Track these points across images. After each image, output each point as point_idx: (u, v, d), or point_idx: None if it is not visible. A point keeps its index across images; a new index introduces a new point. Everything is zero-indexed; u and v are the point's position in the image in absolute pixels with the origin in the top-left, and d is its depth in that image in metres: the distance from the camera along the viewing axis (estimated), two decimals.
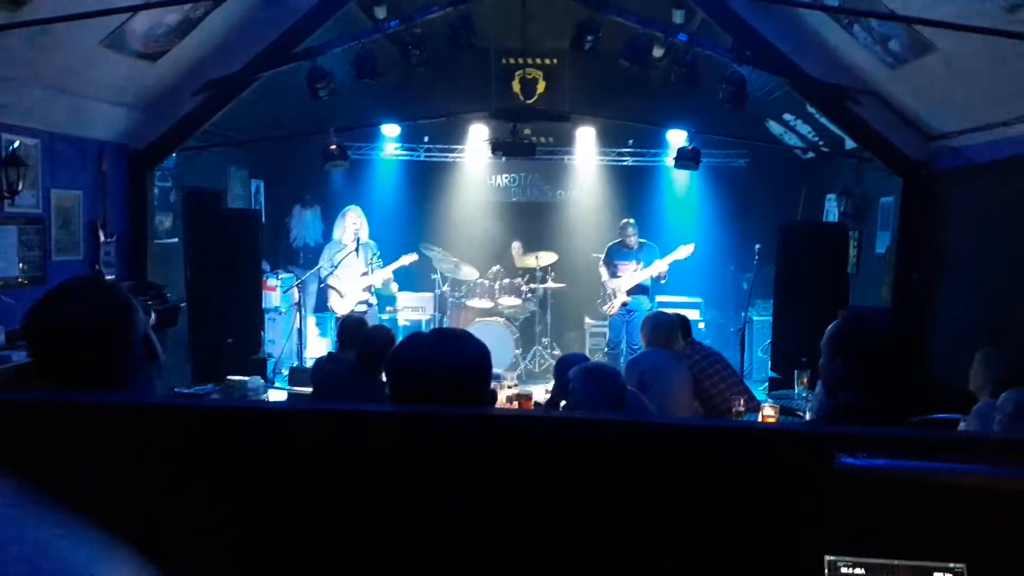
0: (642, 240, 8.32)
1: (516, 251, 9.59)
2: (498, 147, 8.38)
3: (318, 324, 9.22)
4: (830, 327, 2.08)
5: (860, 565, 1.13)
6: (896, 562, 1.13)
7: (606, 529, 1.17)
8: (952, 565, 1.12)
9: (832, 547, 1.14)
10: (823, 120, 7.34)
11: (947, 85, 5.50)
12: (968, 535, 1.13)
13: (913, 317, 6.37)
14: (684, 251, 8.04)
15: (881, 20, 5.19)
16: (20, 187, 5.18)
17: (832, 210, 8.57)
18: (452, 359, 1.70)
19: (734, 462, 1.17)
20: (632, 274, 8.17)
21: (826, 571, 1.13)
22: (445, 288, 9.22)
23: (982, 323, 5.55)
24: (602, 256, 8.45)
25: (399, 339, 5.03)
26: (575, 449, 1.19)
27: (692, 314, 7.85)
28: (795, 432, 1.40)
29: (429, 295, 9.32)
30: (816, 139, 8.39)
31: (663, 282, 8.21)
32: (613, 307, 8.29)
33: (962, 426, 3.52)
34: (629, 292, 8.18)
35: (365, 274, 7.86)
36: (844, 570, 1.13)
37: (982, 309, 5.65)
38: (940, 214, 6.40)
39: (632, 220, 8.47)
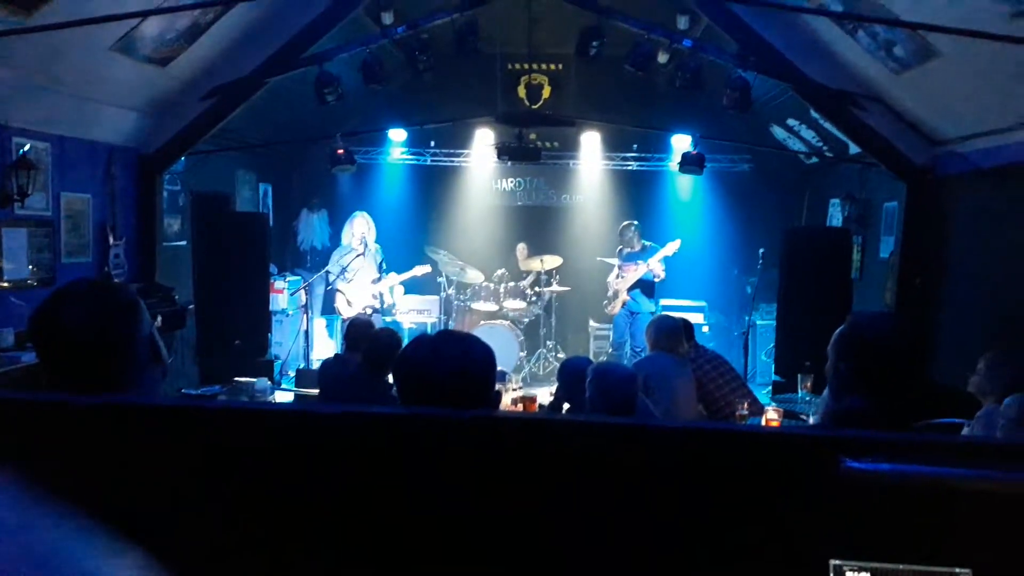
0: (646, 242, 8.46)
1: (521, 254, 9.61)
2: (504, 152, 8.41)
3: (326, 326, 9.26)
4: (836, 331, 2.10)
5: (865, 570, 1.13)
6: (902, 566, 1.13)
7: (610, 532, 1.17)
8: (958, 570, 1.12)
9: (837, 551, 1.14)
10: (827, 125, 7.34)
11: (951, 90, 5.51)
12: (974, 539, 1.13)
13: (917, 322, 6.37)
14: (671, 247, 8.20)
15: (886, 26, 5.21)
16: (30, 190, 5.21)
17: (836, 215, 8.58)
18: (457, 361, 1.72)
19: (739, 466, 1.18)
20: (633, 274, 8.30)
21: (831, 575, 1.15)
22: (450, 291, 9.25)
23: (986, 328, 5.55)
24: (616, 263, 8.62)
25: (404, 341, 5.06)
26: (579, 452, 1.19)
27: (696, 318, 7.90)
28: (800, 436, 1.41)
29: (435, 298, 9.34)
30: (820, 144, 8.40)
31: (657, 280, 8.30)
32: (614, 307, 8.51)
33: (966, 431, 3.53)
34: (628, 290, 8.36)
35: (375, 280, 7.93)
36: (849, 574, 1.13)
37: (986, 314, 5.66)
38: (944, 219, 6.41)
39: (635, 223, 8.57)
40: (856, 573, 1.14)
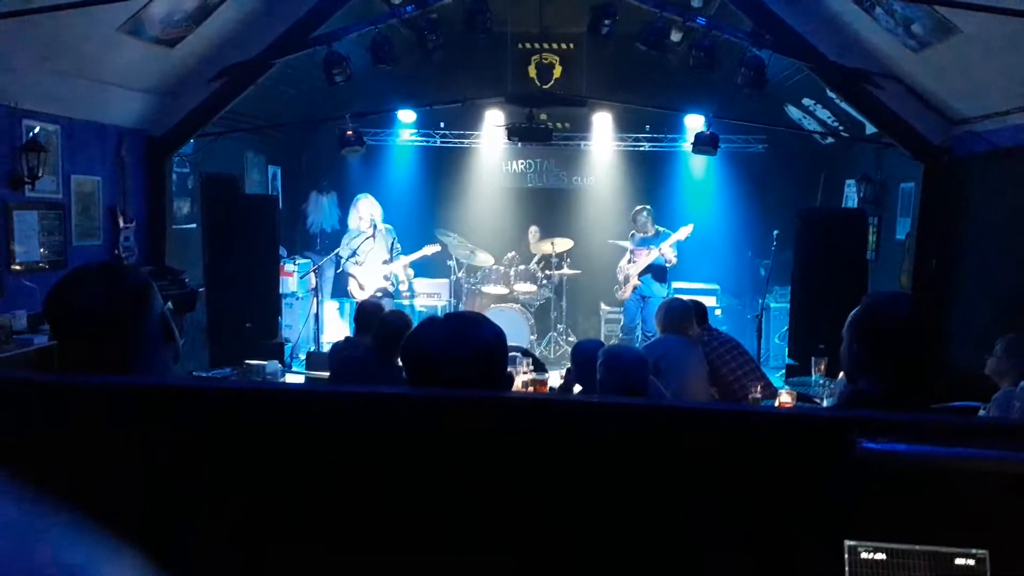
0: (659, 228, 8.42)
1: (533, 237, 9.58)
2: (514, 133, 8.35)
3: (337, 309, 9.27)
4: (851, 313, 2.07)
5: (881, 550, 1.12)
6: (917, 547, 1.12)
7: (623, 513, 1.16)
8: (974, 551, 1.11)
9: (852, 532, 1.13)
10: (843, 105, 7.25)
11: (971, 69, 5.41)
12: (990, 521, 1.12)
13: (933, 304, 6.31)
14: (683, 232, 8.20)
15: (904, 2, 5.11)
16: (40, 173, 5.22)
17: (852, 196, 8.48)
18: (468, 343, 1.69)
19: (754, 447, 1.17)
20: (645, 259, 8.27)
21: (846, 556, 1.13)
22: (460, 274, 9.23)
23: (1002, 310, 5.49)
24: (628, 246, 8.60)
25: (415, 324, 5.04)
26: (591, 433, 1.18)
27: (709, 300, 7.84)
28: (815, 417, 1.39)
29: (445, 281, 9.33)
30: (836, 124, 8.29)
31: (669, 265, 8.28)
32: (625, 291, 8.52)
33: (982, 413, 3.50)
34: (640, 275, 8.36)
35: (387, 262, 7.92)
36: (864, 555, 1.12)
37: (1002, 296, 5.59)
38: (961, 200, 6.32)
39: (648, 207, 8.53)
40: (871, 554, 1.12)
